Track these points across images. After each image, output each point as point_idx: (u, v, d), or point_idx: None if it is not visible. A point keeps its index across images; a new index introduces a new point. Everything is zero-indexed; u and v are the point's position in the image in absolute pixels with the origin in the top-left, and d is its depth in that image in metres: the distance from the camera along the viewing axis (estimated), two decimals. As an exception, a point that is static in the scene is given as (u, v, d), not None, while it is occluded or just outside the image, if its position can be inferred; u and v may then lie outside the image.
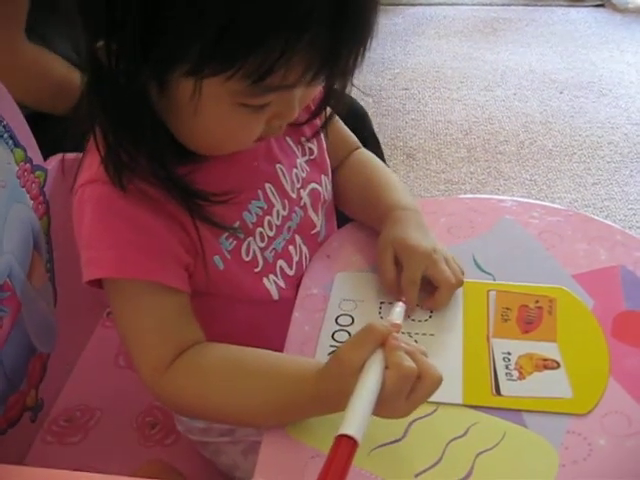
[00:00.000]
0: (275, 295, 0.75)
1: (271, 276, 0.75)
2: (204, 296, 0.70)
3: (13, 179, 0.82)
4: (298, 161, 0.78)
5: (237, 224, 0.71)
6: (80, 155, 0.69)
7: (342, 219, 0.87)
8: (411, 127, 2.27)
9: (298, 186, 0.77)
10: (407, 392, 0.55)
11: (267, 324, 0.74)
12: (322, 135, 0.81)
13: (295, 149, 0.79)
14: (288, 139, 0.78)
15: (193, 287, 0.68)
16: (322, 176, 0.81)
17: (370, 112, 1.33)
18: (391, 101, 2.41)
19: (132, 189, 0.63)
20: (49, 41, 1.06)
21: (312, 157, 0.81)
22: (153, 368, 0.64)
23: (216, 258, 0.69)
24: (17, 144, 0.83)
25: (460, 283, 0.74)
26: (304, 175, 0.78)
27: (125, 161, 0.62)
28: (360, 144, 0.91)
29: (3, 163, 0.81)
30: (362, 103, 1.36)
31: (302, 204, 0.78)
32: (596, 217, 0.87)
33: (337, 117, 0.83)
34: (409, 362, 0.55)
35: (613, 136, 2.23)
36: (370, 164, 0.88)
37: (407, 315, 0.70)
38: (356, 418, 0.51)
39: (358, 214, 0.85)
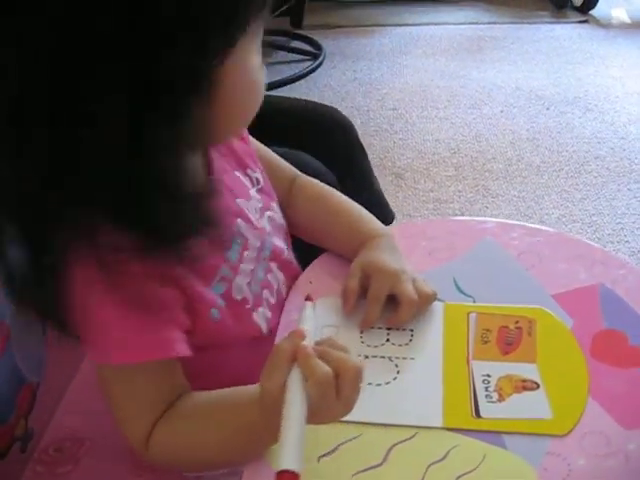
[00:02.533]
0: (264, 329, 0.75)
1: (260, 309, 0.75)
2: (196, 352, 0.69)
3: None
4: (251, 192, 0.79)
5: (224, 267, 0.71)
6: None
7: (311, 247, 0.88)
8: (399, 147, 2.29)
9: (257, 216, 0.78)
10: (334, 394, 0.55)
11: (257, 361, 0.74)
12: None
13: (244, 181, 0.79)
14: (237, 173, 0.78)
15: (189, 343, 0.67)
16: (272, 203, 0.82)
17: (358, 133, 1.34)
18: (379, 121, 2.43)
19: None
20: None
21: (259, 186, 0.81)
22: (139, 440, 0.65)
23: (213, 311, 0.68)
24: None
25: (427, 302, 0.75)
26: (260, 205, 0.79)
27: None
28: (298, 171, 0.92)
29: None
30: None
31: (268, 232, 0.79)
32: (575, 236, 0.88)
33: (266, 148, 0.86)
34: (322, 367, 0.55)
35: (600, 151, 2.25)
36: (319, 190, 0.90)
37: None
38: (290, 449, 0.50)
39: (328, 243, 0.87)
